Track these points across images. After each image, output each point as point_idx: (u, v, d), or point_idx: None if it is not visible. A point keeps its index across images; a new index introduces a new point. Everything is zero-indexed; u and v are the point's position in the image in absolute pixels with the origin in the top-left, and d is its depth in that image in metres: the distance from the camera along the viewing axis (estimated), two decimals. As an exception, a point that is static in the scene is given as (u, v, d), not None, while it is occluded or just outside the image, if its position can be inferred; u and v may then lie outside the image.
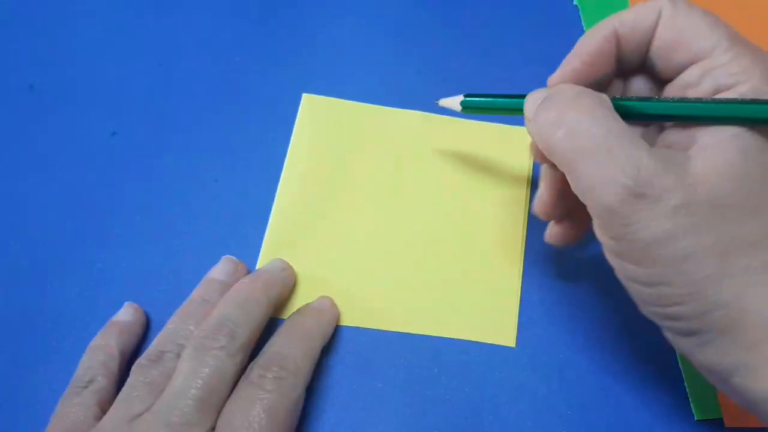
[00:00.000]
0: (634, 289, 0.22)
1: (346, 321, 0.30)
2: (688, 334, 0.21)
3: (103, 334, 0.28)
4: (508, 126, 0.35)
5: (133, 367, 0.26)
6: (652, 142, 0.23)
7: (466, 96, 0.29)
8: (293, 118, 0.35)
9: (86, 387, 0.26)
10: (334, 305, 0.30)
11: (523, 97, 0.25)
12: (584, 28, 0.39)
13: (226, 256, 0.31)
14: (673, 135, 0.22)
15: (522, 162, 0.34)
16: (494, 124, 0.35)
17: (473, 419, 0.28)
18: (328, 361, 0.29)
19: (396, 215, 0.32)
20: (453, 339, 0.30)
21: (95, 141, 0.34)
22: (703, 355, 0.21)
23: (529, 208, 0.33)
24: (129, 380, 0.26)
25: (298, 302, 0.30)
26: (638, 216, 0.20)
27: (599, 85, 0.25)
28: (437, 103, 0.30)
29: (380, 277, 0.31)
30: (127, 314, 0.29)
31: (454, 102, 0.29)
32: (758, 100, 0.20)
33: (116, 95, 0.36)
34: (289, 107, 0.36)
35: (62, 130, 0.34)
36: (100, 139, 0.34)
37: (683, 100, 0.21)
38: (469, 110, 0.29)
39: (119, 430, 0.23)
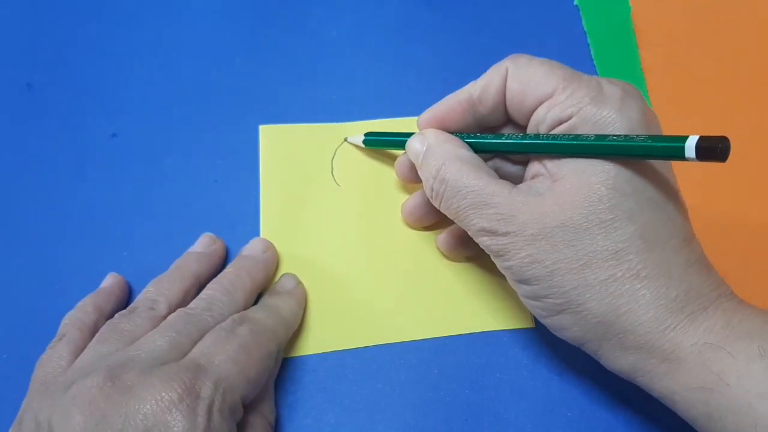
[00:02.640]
0: (528, 305, 0.25)
1: (354, 343, 0.30)
2: (581, 342, 0.24)
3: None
4: None
5: (106, 322, 0.27)
6: (520, 172, 0.28)
7: (366, 135, 0.33)
8: (294, 118, 0.35)
9: (60, 340, 0.26)
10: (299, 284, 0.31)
11: (407, 136, 0.29)
12: (584, 28, 0.39)
13: (205, 233, 0.31)
14: (534, 167, 0.25)
15: None
16: None
17: (473, 421, 0.28)
18: (328, 362, 0.29)
19: (385, 224, 0.33)
20: (451, 340, 0.30)
21: (95, 142, 0.34)
22: (604, 360, 0.24)
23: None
24: (100, 330, 0.26)
25: (305, 328, 0.30)
26: (508, 247, 0.24)
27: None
28: (345, 140, 0.35)
29: (382, 290, 0.31)
30: (105, 281, 0.30)
31: (358, 140, 0.33)
32: (580, 136, 0.23)
33: (116, 97, 0.36)
34: (290, 108, 0.36)
35: (62, 131, 0.35)
36: (100, 141, 0.34)
37: (513, 137, 0.26)
38: (370, 146, 0.33)
39: (90, 366, 0.23)
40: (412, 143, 0.28)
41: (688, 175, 0.28)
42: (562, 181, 0.23)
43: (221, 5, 0.39)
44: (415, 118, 0.35)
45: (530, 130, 0.26)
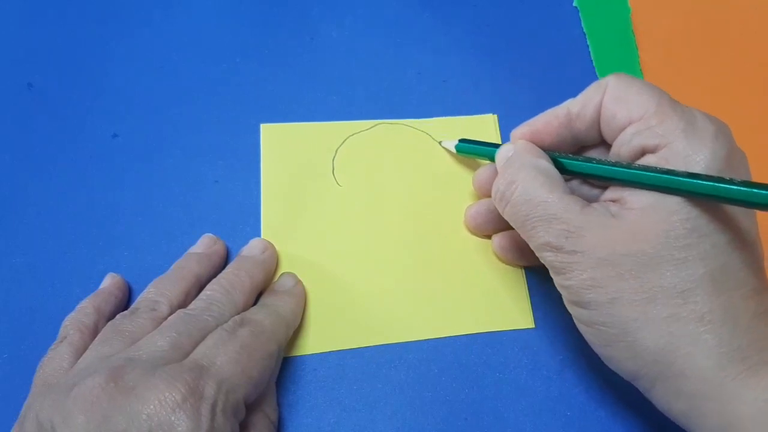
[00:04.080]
0: (582, 330, 0.25)
1: (354, 343, 0.30)
2: (633, 378, 0.24)
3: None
4: (473, 117, 0.36)
5: (108, 323, 0.27)
6: (598, 195, 0.27)
7: (460, 140, 0.33)
8: (294, 119, 0.35)
9: (61, 342, 0.26)
10: (299, 283, 0.30)
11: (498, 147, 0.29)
12: (584, 29, 0.40)
13: (206, 233, 0.31)
14: (613, 192, 0.25)
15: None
16: (458, 118, 0.36)
17: (473, 420, 0.28)
18: (328, 362, 0.29)
19: (385, 225, 0.33)
20: (451, 340, 0.30)
21: (96, 143, 0.34)
22: (656, 401, 0.23)
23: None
24: (101, 331, 0.26)
25: (305, 327, 0.30)
26: (571, 267, 0.23)
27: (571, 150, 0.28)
28: (440, 143, 0.35)
29: (382, 291, 0.31)
30: (104, 282, 0.30)
31: (452, 145, 0.34)
32: (672, 171, 0.22)
33: (117, 97, 0.36)
34: (290, 108, 0.36)
35: (62, 131, 0.35)
36: (101, 141, 0.34)
37: (603, 162, 0.25)
38: (463, 153, 0.33)
39: (92, 367, 0.23)
40: (502, 150, 0.28)
41: None
42: (639, 211, 0.23)
43: (221, 5, 0.39)
44: (419, 120, 0.36)
45: (614, 149, 0.25)
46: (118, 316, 0.27)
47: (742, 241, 0.22)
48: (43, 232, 0.32)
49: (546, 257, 0.24)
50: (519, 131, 0.28)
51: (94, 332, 0.27)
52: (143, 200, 0.33)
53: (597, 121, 0.26)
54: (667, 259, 0.22)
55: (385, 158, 0.34)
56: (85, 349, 0.26)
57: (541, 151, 0.27)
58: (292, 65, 0.37)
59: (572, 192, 0.25)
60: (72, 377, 0.23)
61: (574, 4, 0.41)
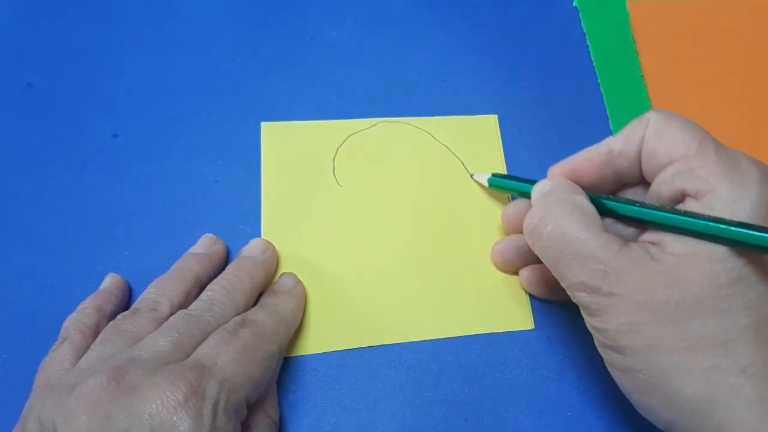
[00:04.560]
0: (615, 376, 0.24)
1: (354, 343, 0.30)
2: (668, 428, 0.23)
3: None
4: (474, 117, 0.36)
5: (109, 323, 0.27)
6: (636, 235, 0.26)
7: (493, 174, 0.33)
8: (294, 119, 0.35)
9: (62, 342, 0.26)
10: (299, 283, 0.30)
11: (535, 182, 0.28)
12: (584, 29, 0.40)
13: (206, 234, 0.31)
14: (653, 234, 0.24)
15: (493, 148, 0.35)
16: (460, 117, 0.36)
17: (473, 420, 0.28)
18: (328, 362, 0.29)
19: (386, 225, 0.33)
20: (451, 340, 0.30)
21: (96, 143, 0.34)
22: None
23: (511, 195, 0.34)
24: (102, 331, 0.26)
25: (305, 328, 0.30)
26: (607, 309, 0.22)
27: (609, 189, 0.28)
28: (472, 176, 0.34)
29: (382, 291, 0.31)
30: (104, 282, 0.30)
31: (484, 178, 0.33)
32: (718, 219, 0.21)
33: (117, 97, 0.36)
34: (290, 108, 0.36)
35: (62, 131, 0.35)
36: (101, 141, 0.34)
37: (646, 206, 0.24)
38: (494, 188, 0.33)
39: (93, 367, 0.23)
40: (538, 185, 0.27)
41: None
42: (682, 257, 0.22)
43: (221, 5, 0.39)
44: (420, 118, 0.36)
45: (654, 187, 0.25)
46: (119, 317, 0.27)
47: None
48: (43, 232, 0.32)
49: (580, 297, 0.23)
50: (558, 168, 0.27)
51: (95, 332, 0.27)
52: (143, 200, 0.33)
53: (639, 159, 0.25)
54: (709, 308, 0.21)
55: (386, 158, 0.34)
56: (86, 349, 0.26)
57: (579, 188, 0.26)
58: (293, 65, 0.37)
59: (608, 230, 0.24)
60: (74, 377, 0.23)
61: (574, 4, 0.41)
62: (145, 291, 0.28)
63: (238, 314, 0.27)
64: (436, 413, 0.28)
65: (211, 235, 0.31)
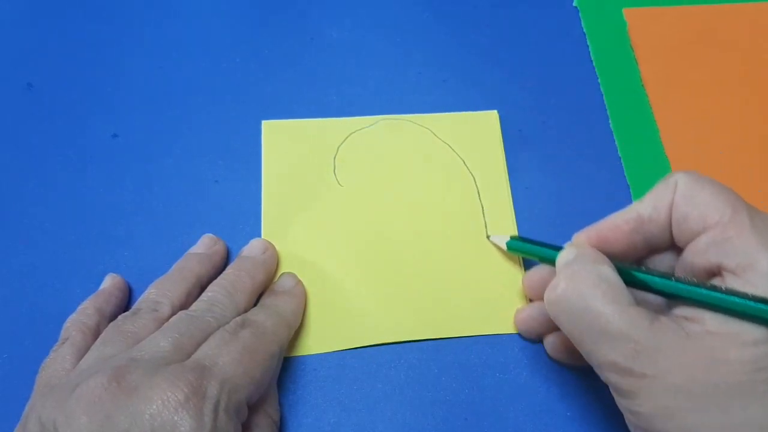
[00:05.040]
0: None
1: (354, 343, 0.30)
2: None
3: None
4: (475, 113, 0.36)
5: (110, 324, 0.27)
6: (665, 305, 0.24)
7: (512, 237, 0.31)
8: (295, 118, 0.35)
9: (63, 343, 0.27)
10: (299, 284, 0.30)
11: (558, 250, 0.26)
12: (584, 30, 0.40)
13: (206, 234, 0.31)
14: (689, 308, 0.22)
15: (494, 145, 0.35)
16: (461, 114, 0.36)
17: (473, 420, 0.28)
18: (328, 362, 0.29)
19: (386, 225, 0.33)
20: (451, 340, 0.30)
21: (96, 143, 0.34)
22: None
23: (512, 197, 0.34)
24: (103, 332, 0.26)
25: (305, 328, 0.30)
26: (640, 392, 0.21)
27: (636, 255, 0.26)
28: (488, 238, 0.32)
29: (382, 291, 0.31)
30: (104, 282, 0.30)
31: (502, 240, 0.31)
32: (763, 299, 0.20)
33: (117, 97, 0.36)
34: (290, 108, 0.36)
35: (62, 131, 0.35)
36: (101, 141, 0.34)
37: (682, 281, 0.23)
38: (513, 251, 0.31)
39: (94, 367, 0.23)
40: (563, 254, 0.25)
41: None
42: (721, 337, 0.21)
43: (221, 5, 0.39)
44: (422, 115, 0.36)
45: (687, 256, 0.23)
46: (120, 317, 0.27)
47: None
48: (43, 232, 0.32)
49: (610, 378, 0.22)
50: (583, 234, 0.26)
51: (96, 333, 0.27)
52: (143, 200, 0.33)
53: (670, 224, 0.24)
54: (750, 392, 0.20)
55: (387, 156, 0.34)
56: (87, 349, 0.26)
57: (605, 258, 0.24)
58: (293, 65, 0.37)
59: (637, 302, 0.22)
60: (74, 378, 0.23)
61: (574, 4, 0.41)
62: (146, 291, 0.28)
63: (239, 314, 0.27)
64: (436, 413, 0.28)
65: (211, 235, 0.31)
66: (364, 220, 0.33)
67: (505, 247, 0.31)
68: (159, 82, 0.36)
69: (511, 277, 0.32)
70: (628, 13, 0.40)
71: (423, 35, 0.39)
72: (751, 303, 0.20)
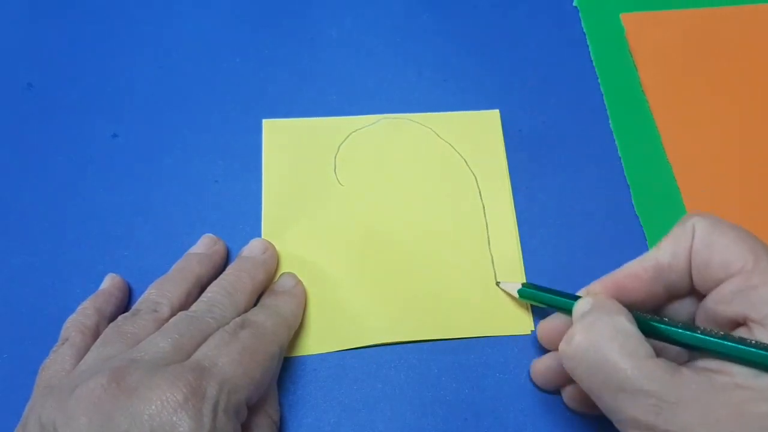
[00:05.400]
0: None
1: (354, 343, 0.30)
2: None
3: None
4: (476, 112, 0.36)
5: (110, 324, 0.27)
6: (690, 359, 0.23)
7: (523, 285, 0.30)
8: (295, 117, 0.35)
9: (63, 343, 0.27)
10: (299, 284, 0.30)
11: (573, 299, 0.26)
12: (584, 30, 0.40)
13: (206, 234, 0.31)
14: (712, 360, 0.22)
15: (495, 144, 0.35)
16: (462, 113, 0.36)
17: (473, 420, 0.28)
18: (328, 362, 0.29)
19: (386, 225, 0.33)
20: (451, 340, 0.30)
21: (96, 143, 0.34)
22: None
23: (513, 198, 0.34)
24: (103, 333, 0.26)
25: (305, 328, 0.30)
26: None
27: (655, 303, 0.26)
28: (498, 285, 0.31)
29: (382, 291, 0.31)
30: (104, 283, 0.30)
31: (513, 288, 0.30)
32: None
33: (117, 97, 0.36)
34: (290, 108, 0.36)
35: (62, 131, 0.35)
36: (101, 141, 0.34)
37: (708, 333, 0.22)
38: (525, 299, 0.30)
39: (94, 368, 0.23)
40: (579, 304, 0.25)
41: None
42: (749, 391, 0.20)
43: (221, 5, 0.39)
44: (423, 114, 0.36)
45: (710, 304, 0.23)
46: (119, 318, 0.27)
47: None
48: (43, 232, 0.32)
49: None
50: (599, 285, 0.25)
51: (96, 333, 0.27)
52: (143, 200, 0.33)
53: (690, 271, 0.24)
54: None
55: (388, 155, 0.34)
56: (86, 350, 0.26)
57: (623, 308, 0.23)
58: (293, 66, 0.37)
59: (658, 354, 0.22)
60: (74, 378, 0.23)
61: (574, 4, 0.41)
62: (146, 292, 0.28)
63: (239, 315, 0.27)
64: (436, 413, 0.28)
65: (211, 235, 0.31)
66: (364, 219, 0.33)
67: (516, 295, 0.30)
68: (159, 82, 0.36)
69: (512, 278, 0.32)
70: (626, 18, 0.40)
71: (423, 35, 0.39)
72: None
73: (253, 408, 0.25)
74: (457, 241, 0.32)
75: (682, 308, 0.25)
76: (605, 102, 0.37)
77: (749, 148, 0.36)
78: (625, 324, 0.22)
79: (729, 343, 0.21)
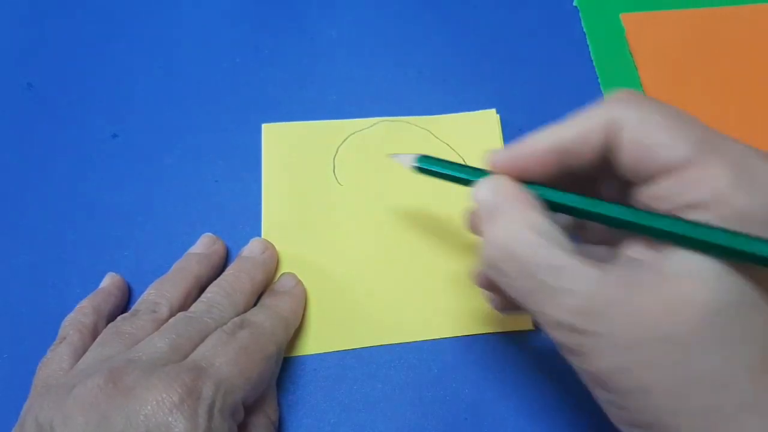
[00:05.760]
0: (606, 409, 0.21)
1: (354, 343, 0.30)
2: None
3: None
4: (474, 113, 0.36)
5: (109, 324, 0.27)
6: (616, 242, 0.22)
7: (421, 157, 0.26)
8: (295, 118, 0.35)
9: (60, 342, 0.27)
10: (299, 284, 0.30)
11: (471, 175, 0.23)
12: (584, 29, 0.40)
13: (205, 233, 0.31)
14: (636, 249, 0.20)
15: (494, 144, 0.35)
16: (460, 114, 0.36)
17: (473, 421, 0.28)
18: (328, 362, 0.29)
19: (386, 224, 0.33)
20: (451, 340, 0.30)
21: (96, 143, 0.34)
22: None
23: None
24: (102, 333, 0.26)
25: (305, 328, 0.30)
26: (590, 350, 0.19)
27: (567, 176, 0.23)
28: (389, 156, 0.28)
29: (382, 291, 0.31)
30: (103, 282, 0.30)
31: (408, 160, 0.26)
32: (733, 232, 0.18)
33: (117, 97, 0.36)
34: (289, 108, 0.36)
35: (62, 131, 0.35)
36: (101, 141, 0.34)
37: (633, 212, 0.20)
38: (422, 172, 0.26)
39: (92, 368, 0.23)
40: (480, 191, 0.22)
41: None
42: (676, 279, 0.18)
43: (221, 5, 0.39)
44: (421, 117, 0.36)
45: (640, 200, 0.21)
46: (118, 318, 0.27)
47: None
48: (43, 232, 0.32)
49: (557, 337, 0.20)
50: (499, 157, 0.23)
51: (93, 332, 0.27)
52: (143, 200, 0.33)
53: (599, 159, 0.21)
54: (710, 341, 0.18)
55: (386, 159, 0.34)
56: (84, 349, 0.26)
57: (533, 200, 0.21)
58: (293, 65, 0.37)
59: (580, 249, 0.20)
60: (72, 378, 0.23)
61: (574, 4, 0.41)
62: (145, 293, 0.28)
63: (238, 315, 0.27)
64: (436, 413, 0.28)
65: (210, 234, 0.31)
66: (364, 219, 0.33)
67: (410, 168, 0.26)
68: (159, 82, 0.36)
69: None
70: (626, 18, 0.40)
71: (423, 35, 0.39)
72: (726, 233, 0.18)
73: (250, 408, 0.25)
74: (456, 242, 0.32)
75: (604, 191, 0.23)
76: (605, 102, 0.37)
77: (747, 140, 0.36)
78: (541, 220, 0.20)
79: (663, 219, 0.19)
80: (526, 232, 0.20)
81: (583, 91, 0.37)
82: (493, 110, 0.36)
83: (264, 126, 0.35)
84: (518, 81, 0.38)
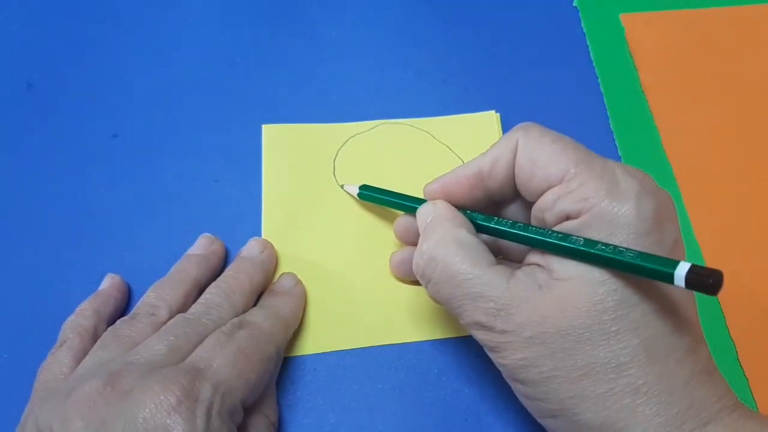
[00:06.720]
0: (523, 402, 0.24)
1: (354, 343, 0.30)
2: None
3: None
4: (474, 114, 0.36)
5: (108, 328, 0.27)
6: (521, 257, 0.25)
7: (361, 188, 0.31)
8: (294, 118, 0.35)
9: (61, 346, 0.27)
10: (299, 284, 0.30)
11: (417, 203, 0.27)
12: (584, 29, 0.40)
13: (203, 234, 0.31)
14: (535, 256, 0.24)
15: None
16: (460, 116, 0.36)
17: (473, 421, 0.28)
18: (328, 362, 0.29)
19: (385, 225, 0.32)
20: (451, 340, 0.30)
21: (96, 143, 0.34)
22: None
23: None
24: (101, 336, 0.26)
25: (305, 328, 0.30)
26: (503, 346, 0.22)
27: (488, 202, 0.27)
28: (342, 186, 0.33)
29: (382, 291, 0.31)
30: (103, 283, 0.30)
31: (353, 189, 0.32)
32: (570, 238, 0.22)
33: (117, 97, 0.36)
34: (290, 108, 0.36)
35: (62, 131, 0.35)
36: (101, 141, 0.34)
37: (520, 227, 0.24)
38: (366, 199, 0.32)
39: (91, 372, 0.23)
40: (422, 210, 0.26)
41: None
42: (566, 282, 0.22)
43: (221, 5, 0.39)
44: (421, 119, 0.36)
45: (536, 214, 0.24)
46: (118, 322, 0.27)
47: (672, 303, 0.22)
48: (43, 232, 0.32)
49: (477, 335, 0.23)
50: (431, 188, 0.27)
51: (94, 335, 0.27)
52: (143, 200, 0.33)
53: (510, 180, 0.25)
54: (598, 333, 0.21)
55: (387, 158, 0.34)
56: (84, 352, 0.26)
57: (462, 218, 0.25)
58: (293, 65, 0.37)
59: (497, 259, 0.24)
60: (71, 382, 0.23)
61: (574, 4, 0.41)
62: (144, 296, 0.28)
63: (237, 316, 0.27)
64: (436, 413, 0.28)
65: (208, 234, 0.31)
66: (364, 220, 0.33)
67: (356, 196, 0.32)
68: (159, 83, 0.36)
69: None
70: (626, 18, 0.40)
71: (423, 35, 0.39)
72: (583, 248, 0.21)
73: (250, 409, 0.25)
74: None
75: (518, 212, 0.27)
76: (605, 102, 0.37)
77: (749, 148, 0.36)
78: (466, 236, 0.24)
79: (538, 237, 0.23)
80: (452, 245, 0.24)
81: (583, 91, 0.37)
82: (493, 111, 0.36)
83: (264, 127, 0.35)
84: (518, 81, 0.38)
